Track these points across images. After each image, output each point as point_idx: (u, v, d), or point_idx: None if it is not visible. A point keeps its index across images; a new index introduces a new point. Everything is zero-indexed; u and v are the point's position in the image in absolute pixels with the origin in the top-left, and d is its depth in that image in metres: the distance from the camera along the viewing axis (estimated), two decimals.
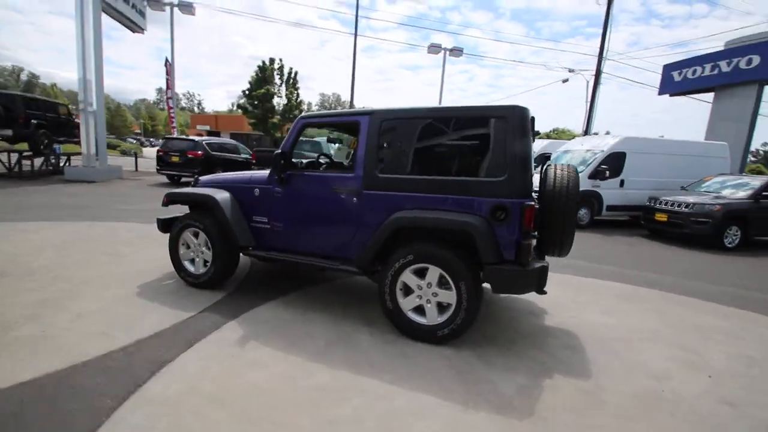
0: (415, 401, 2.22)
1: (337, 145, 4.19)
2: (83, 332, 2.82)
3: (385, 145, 3.06)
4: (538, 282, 2.74)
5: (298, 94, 32.90)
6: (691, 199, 8.18)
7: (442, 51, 19.18)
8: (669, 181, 9.71)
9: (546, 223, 2.99)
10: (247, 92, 31.56)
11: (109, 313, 3.16)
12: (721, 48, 19.59)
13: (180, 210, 4.28)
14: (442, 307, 2.90)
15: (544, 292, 2.82)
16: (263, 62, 31.73)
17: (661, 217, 8.43)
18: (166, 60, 15.54)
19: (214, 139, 13.55)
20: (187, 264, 3.89)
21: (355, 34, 17.97)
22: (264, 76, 31.54)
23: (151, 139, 38.87)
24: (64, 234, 5.60)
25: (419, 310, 2.97)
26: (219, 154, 13.01)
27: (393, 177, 3.01)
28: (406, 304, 2.97)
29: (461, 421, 2.08)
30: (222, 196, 3.63)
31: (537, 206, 2.94)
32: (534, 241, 2.85)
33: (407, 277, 2.95)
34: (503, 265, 2.70)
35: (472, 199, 2.78)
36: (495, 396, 2.32)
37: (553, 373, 2.65)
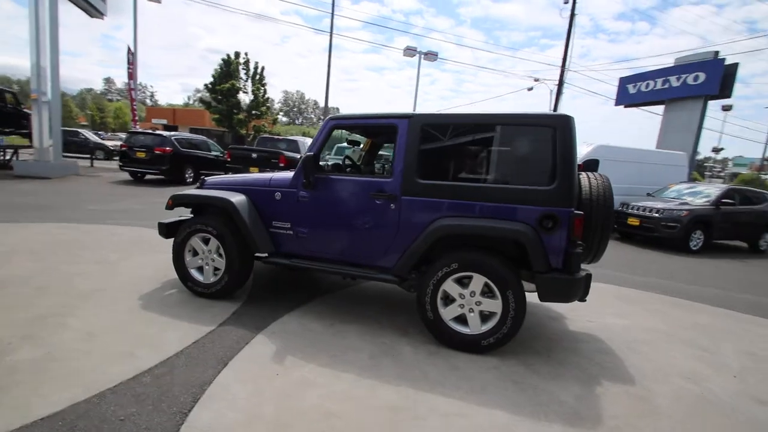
0: (491, 417, 2.15)
1: (351, 147, 3.96)
2: (99, 353, 2.50)
3: (425, 150, 2.98)
4: (584, 290, 2.77)
5: (265, 90, 31.91)
6: (659, 204, 8.76)
7: (417, 54, 19.34)
8: (636, 187, 10.34)
9: (584, 230, 3.03)
10: (210, 86, 30.15)
11: (121, 329, 2.84)
12: (671, 64, 21.27)
13: (176, 213, 3.95)
14: (484, 316, 2.87)
15: (585, 300, 2.87)
16: (228, 56, 30.47)
17: (633, 222, 8.95)
18: (129, 49, 14.40)
19: (184, 135, 12.79)
20: (194, 272, 3.59)
21: (331, 32, 17.69)
22: (229, 70, 30.29)
23: (101, 133, 36.09)
24: (33, 238, 5.01)
25: (460, 319, 2.92)
26: (189, 151, 12.30)
27: (434, 183, 2.94)
28: (447, 313, 2.91)
29: None
30: (238, 199, 3.38)
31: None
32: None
33: (449, 285, 2.88)
34: (552, 273, 2.71)
35: (519, 207, 2.76)
36: (559, 407, 2.31)
37: (599, 379, 2.69)
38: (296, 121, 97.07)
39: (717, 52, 19.35)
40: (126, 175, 12.52)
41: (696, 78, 19.37)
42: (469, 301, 2.86)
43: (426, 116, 3.00)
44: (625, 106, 24.14)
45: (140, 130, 13.90)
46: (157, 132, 12.26)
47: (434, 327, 2.93)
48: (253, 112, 31.20)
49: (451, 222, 2.81)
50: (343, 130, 3.47)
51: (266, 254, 3.40)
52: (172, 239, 3.64)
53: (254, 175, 3.70)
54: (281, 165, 11.68)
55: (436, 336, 2.96)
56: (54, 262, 4.18)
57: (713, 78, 18.78)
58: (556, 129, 2.70)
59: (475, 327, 2.86)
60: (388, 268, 3.13)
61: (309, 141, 15.56)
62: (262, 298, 3.69)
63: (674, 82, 20.41)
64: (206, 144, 13.57)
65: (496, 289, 2.77)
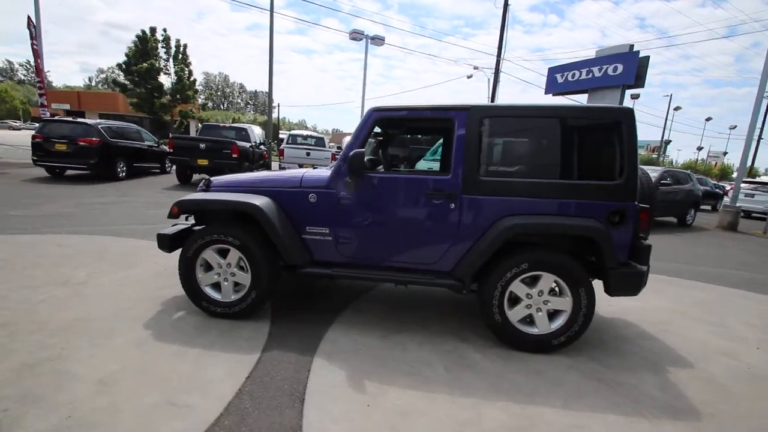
0: (607, 425, 2.09)
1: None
2: (131, 408, 1.98)
3: (486, 144, 2.79)
4: (645, 282, 2.83)
5: (190, 71, 29.08)
6: None
7: (364, 39, 18.80)
8: None
9: None
10: (124, 66, 26.69)
11: (143, 371, 2.30)
12: (592, 56, 23.26)
13: (164, 222, 3.35)
14: (551, 315, 2.81)
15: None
16: (143, 32, 27.13)
17: None
18: (29, 20, 11.84)
19: (110, 123, 11.09)
20: (209, 290, 3.06)
21: (271, 10, 16.40)
22: (145, 48, 27.02)
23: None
24: None
25: (526, 320, 2.83)
26: (119, 141, 10.72)
27: (498, 180, 2.77)
28: (514, 315, 2.80)
29: None
30: (265, 203, 2.91)
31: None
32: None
33: (516, 286, 2.77)
34: (623, 268, 2.72)
35: (588, 203, 2.71)
36: (652, 401, 2.33)
37: (663, 365, 2.79)
38: (221, 106, 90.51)
39: (632, 45, 21.55)
40: (42, 171, 10.57)
41: (615, 69, 21.37)
42: (536, 300, 2.78)
43: (487, 108, 2.80)
44: (554, 95, 25.82)
45: (57, 118, 11.75)
46: (80, 120, 10.45)
47: (502, 330, 2.81)
48: (178, 96, 28.32)
49: (523, 221, 2.67)
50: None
51: (300, 265, 2.99)
52: (161, 250, 3.09)
53: (276, 175, 3.22)
54: (234, 156, 10.70)
55: (503, 339, 2.84)
56: (1, 288, 3.31)
57: (629, 69, 20.87)
58: (622, 122, 2.67)
59: (543, 326, 2.79)
60: (445, 272, 2.92)
61: (259, 130, 14.47)
62: (289, 312, 3.27)
63: (596, 72, 22.33)
64: (138, 133, 11.95)
65: (566, 287, 2.72)
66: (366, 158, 3.00)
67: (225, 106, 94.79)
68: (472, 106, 2.79)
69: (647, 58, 20.69)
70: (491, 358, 2.73)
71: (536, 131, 2.81)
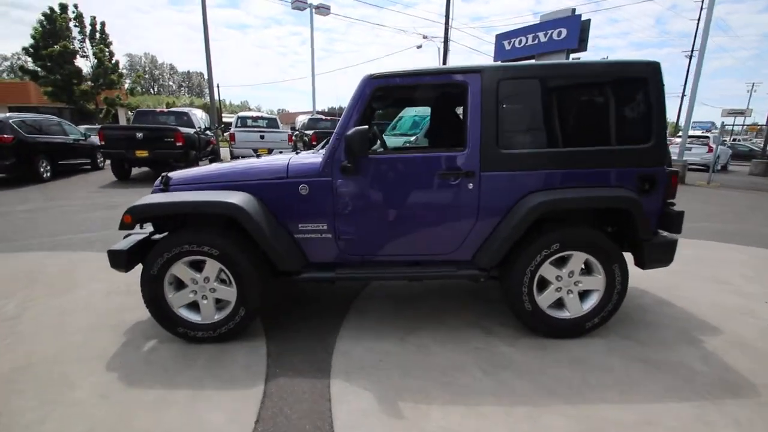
0: (680, 416, 1.89)
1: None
2: None
3: (505, 111, 2.42)
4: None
5: (111, 53, 25.98)
6: None
7: (308, 8, 17.51)
8: None
9: None
10: (32, 50, 23.29)
11: (118, 428, 1.78)
12: (537, 21, 23.50)
13: (115, 234, 2.72)
14: (582, 296, 2.59)
15: None
16: (51, 9, 23.64)
17: None
18: None
19: (28, 116, 9.49)
20: (184, 312, 2.51)
21: None
22: (54, 28, 23.63)
23: None
24: None
25: (556, 303, 2.59)
26: (38, 137, 9.24)
27: (520, 153, 2.43)
28: (544, 300, 2.54)
29: (753, 419, 1.87)
30: (245, 200, 2.38)
31: None
32: None
33: (546, 269, 2.50)
34: (656, 238, 2.52)
35: (615, 170, 2.45)
36: (702, 377, 2.19)
37: (694, 334, 2.68)
38: (151, 90, 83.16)
39: (574, 9, 21.99)
40: None
41: (560, 33, 21.75)
42: (566, 282, 2.53)
43: (502, 69, 2.41)
44: (503, 62, 26.23)
45: None
46: None
47: (533, 319, 2.54)
48: (101, 81, 25.31)
49: (550, 197, 2.36)
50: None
51: (295, 270, 2.52)
52: (119, 268, 2.49)
53: (252, 165, 2.65)
54: (179, 144, 9.60)
55: (534, 328, 2.58)
56: None
57: (573, 33, 21.34)
58: (648, 78, 2.41)
59: (575, 309, 2.56)
60: (466, 261, 2.59)
61: (202, 113, 13.18)
62: (284, 323, 2.81)
63: (542, 37, 22.62)
64: (60, 125, 10.38)
65: (599, 264, 2.49)
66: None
67: (156, 89, 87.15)
68: (484, 68, 2.39)
69: (588, 21, 21.16)
70: (524, 350, 2.47)
71: (557, 93, 2.48)
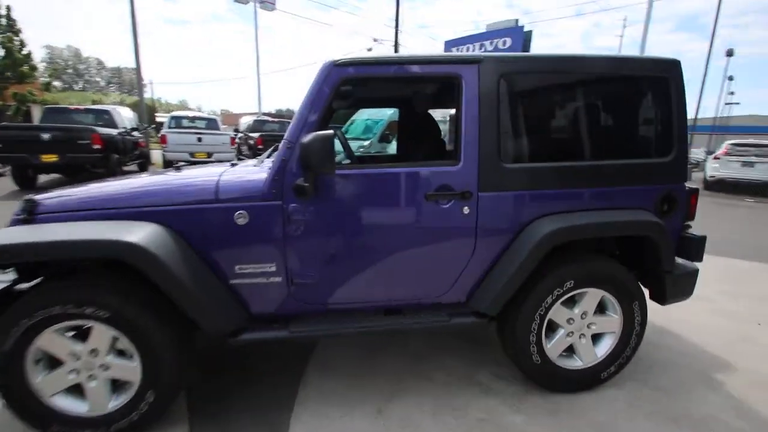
0: None
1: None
2: None
3: (509, 115, 1.90)
4: None
5: (22, 42, 22.86)
6: None
7: (252, 1, 16.32)
8: None
9: None
10: None
11: None
12: (484, 30, 24.08)
13: None
14: (594, 340, 2.14)
15: None
16: None
17: None
18: None
19: None
20: (61, 403, 1.71)
21: None
22: None
23: None
24: None
25: (566, 351, 2.11)
26: None
27: (526, 167, 1.92)
28: (554, 349, 2.05)
29: None
30: (148, 236, 1.63)
31: None
32: None
33: (556, 311, 2.01)
34: (678, 269, 2.13)
35: (635, 189, 2.03)
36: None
37: (708, 373, 2.33)
38: (75, 86, 75.35)
39: (517, 20, 22.78)
40: None
41: (504, 43, 22.36)
42: (579, 325, 2.06)
43: (507, 60, 1.89)
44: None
45: None
46: None
47: (541, 372, 2.04)
48: (9, 74, 22.15)
49: (566, 223, 1.87)
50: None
51: (232, 330, 1.81)
52: None
53: (163, 182, 1.89)
54: (96, 147, 8.23)
55: (542, 383, 2.08)
56: None
57: (517, 42, 22.04)
58: (669, 79, 2.01)
59: (588, 357, 2.09)
60: (457, 304, 2.03)
61: (128, 112, 11.64)
62: (216, 401, 2.07)
63: (488, 46, 23.11)
64: None
65: (616, 303, 2.05)
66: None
67: (81, 86, 79.00)
68: (485, 57, 1.86)
69: (530, 32, 22.13)
70: (534, 416, 1.95)
71: (570, 93, 2.01)
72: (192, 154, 10.40)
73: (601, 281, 1.99)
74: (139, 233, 1.61)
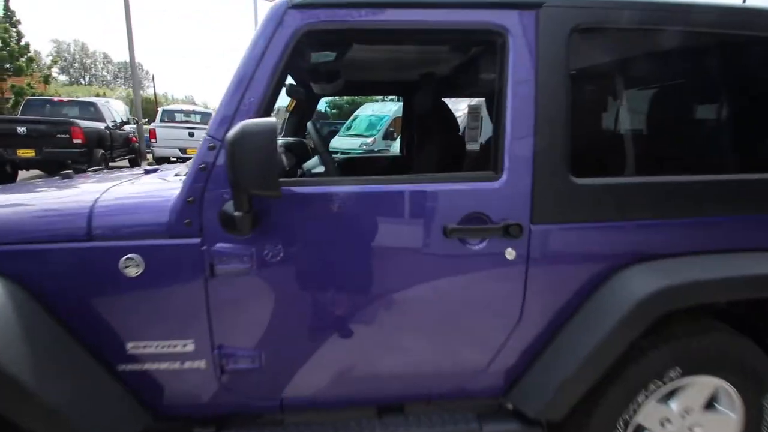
0: None
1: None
2: None
3: (586, 96, 1.15)
4: None
5: (19, 33, 22.33)
6: None
7: None
8: None
9: None
10: None
11: None
12: None
13: None
14: None
15: None
16: None
17: None
18: None
19: None
20: None
21: None
22: None
23: None
24: None
25: None
26: None
27: (615, 183, 1.18)
28: None
29: None
30: None
31: None
32: None
33: (648, 413, 1.27)
34: None
35: (762, 217, 1.29)
36: None
37: None
38: (81, 81, 75.61)
39: None
40: None
41: None
42: (679, 428, 1.32)
43: (585, 5, 1.14)
44: None
45: None
46: None
47: None
48: (7, 66, 21.62)
49: (682, 278, 1.12)
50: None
51: None
52: None
53: (15, 201, 1.18)
54: (77, 142, 7.61)
55: None
56: None
57: None
58: None
59: None
60: (489, 396, 1.30)
61: (119, 105, 11.02)
62: None
63: None
64: None
65: (736, 395, 1.30)
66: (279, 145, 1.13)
67: (88, 80, 79.26)
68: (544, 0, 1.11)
69: None
70: None
71: (697, 63, 1.25)
72: (183, 150, 9.75)
73: (720, 367, 1.24)
74: None
